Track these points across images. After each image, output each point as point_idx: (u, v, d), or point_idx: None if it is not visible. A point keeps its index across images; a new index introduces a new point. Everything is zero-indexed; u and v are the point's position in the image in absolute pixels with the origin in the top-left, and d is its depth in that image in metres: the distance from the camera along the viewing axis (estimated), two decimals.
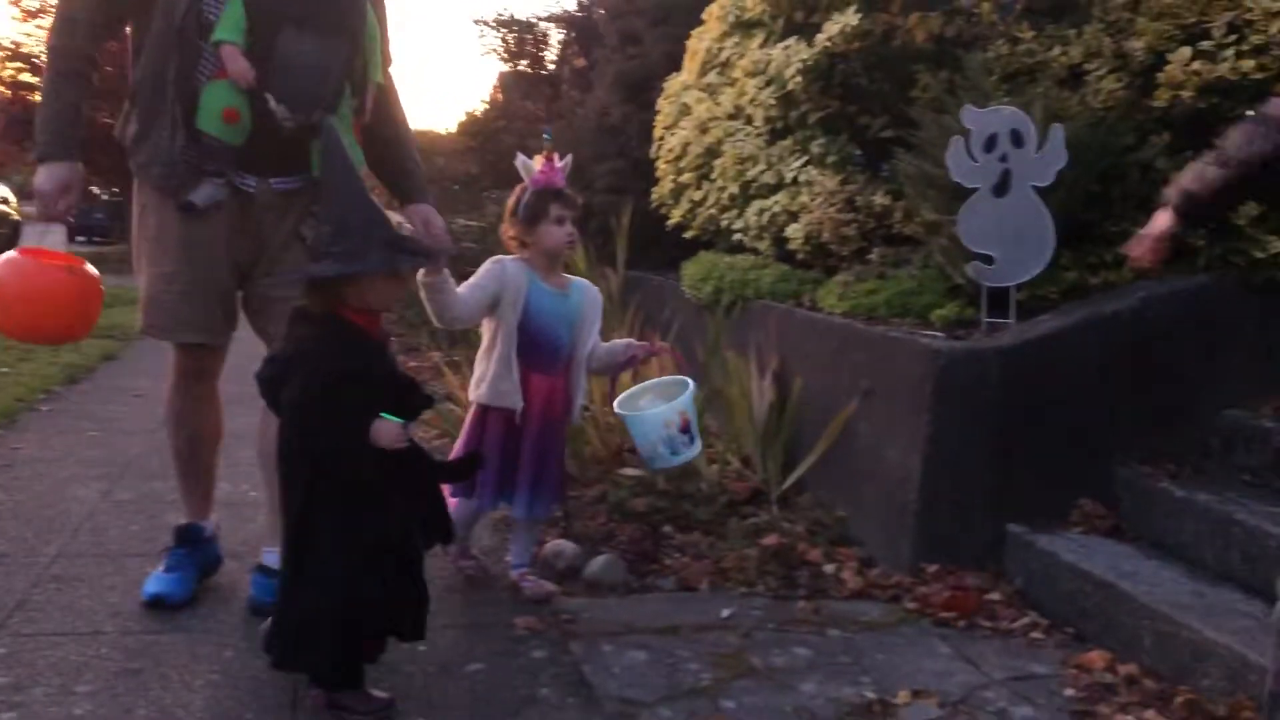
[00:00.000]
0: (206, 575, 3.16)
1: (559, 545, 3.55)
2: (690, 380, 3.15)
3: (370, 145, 3.03)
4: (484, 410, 3.14)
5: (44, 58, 2.99)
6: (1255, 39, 3.32)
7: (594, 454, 4.48)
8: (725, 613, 3.17)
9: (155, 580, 3.03)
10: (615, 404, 3.22)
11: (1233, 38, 3.39)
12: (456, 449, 3.25)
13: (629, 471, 4.27)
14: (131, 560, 3.35)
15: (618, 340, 3.36)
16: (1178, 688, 2.61)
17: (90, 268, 2.93)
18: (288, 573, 2.40)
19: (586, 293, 3.26)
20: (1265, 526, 2.91)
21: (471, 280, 3.09)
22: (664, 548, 3.71)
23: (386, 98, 3.11)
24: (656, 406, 3.07)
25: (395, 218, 2.99)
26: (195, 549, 3.12)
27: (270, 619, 2.46)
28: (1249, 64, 3.29)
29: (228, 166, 2.82)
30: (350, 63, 2.88)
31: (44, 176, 2.80)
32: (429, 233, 3.08)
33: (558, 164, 3.17)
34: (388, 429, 2.27)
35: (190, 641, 2.79)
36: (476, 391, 3.16)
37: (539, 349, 3.12)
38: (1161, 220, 2.51)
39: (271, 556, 2.98)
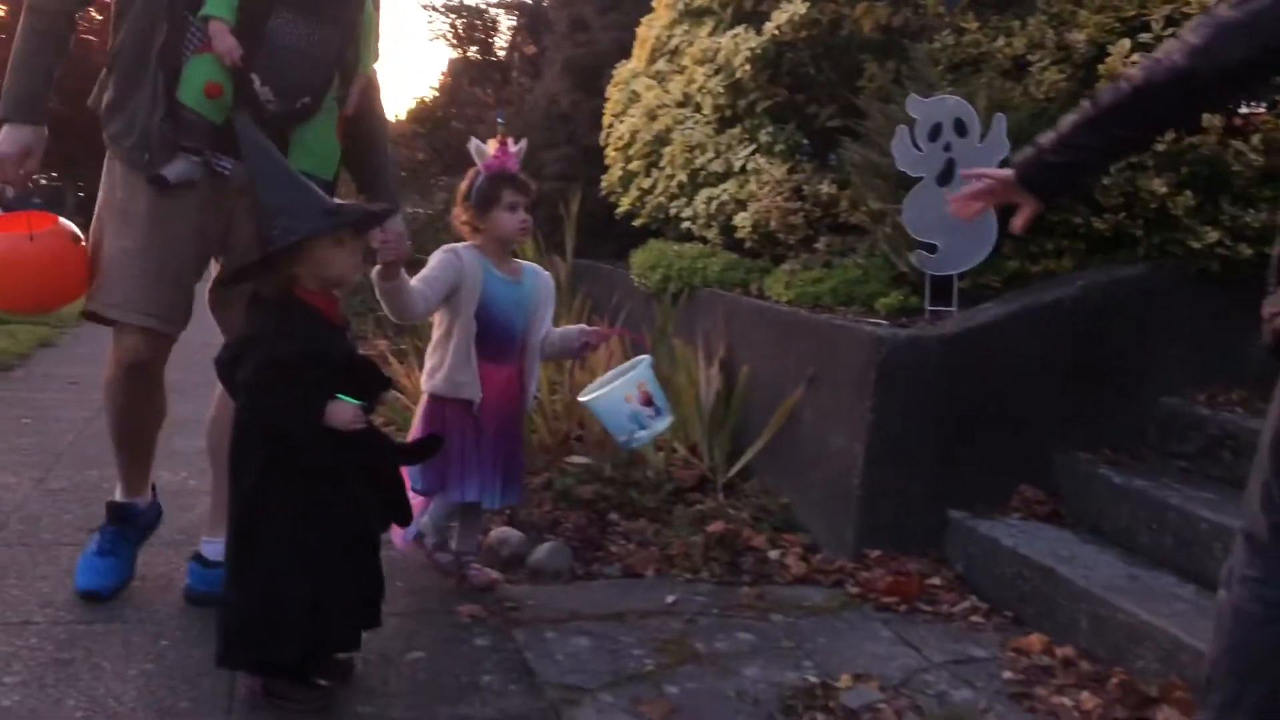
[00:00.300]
0: (144, 538, 3.09)
1: (504, 533, 3.53)
2: (647, 356, 3.13)
3: (347, 140, 2.95)
4: (440, 402, 3.09)
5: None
6: None
7: (541, 441, 4.46)
8: (670, 599, 3.17)
9: (88, 570, 2.94)
10: (580, 396, 3.20)
11: (1170, 31, 3.44)
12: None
13: (576, 459, 4.26)
14: (64, 550, 3.28)
15: (571, 326, 3.33)
16: (1113, 669, 2.65)
17: (65, 224, 2.80)
18: (234, 562, 2.35)
19: (539, 278, 3.22)
20: (1198, 511, 2.96)
21: (425, 273, 3.02)
22: (609, 535, 3.71)
23: (370, 93, 3.03)
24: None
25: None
26: (131, 527, 3.03)
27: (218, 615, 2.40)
28: None
29: (205, 144, 2.71)
30: (342, 53, 2.82)
31: (6, 139, 2.69)
32: (394, 241, 3.00)
33: (511, 148, 3.13)
34: (344, 410, 2.26)
35: (124, 631, 2.74)
36: (431, 383, 3.11)
37: (494, 338, 3.08)
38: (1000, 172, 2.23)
39: (210, 547, 2.93)
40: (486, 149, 3.12)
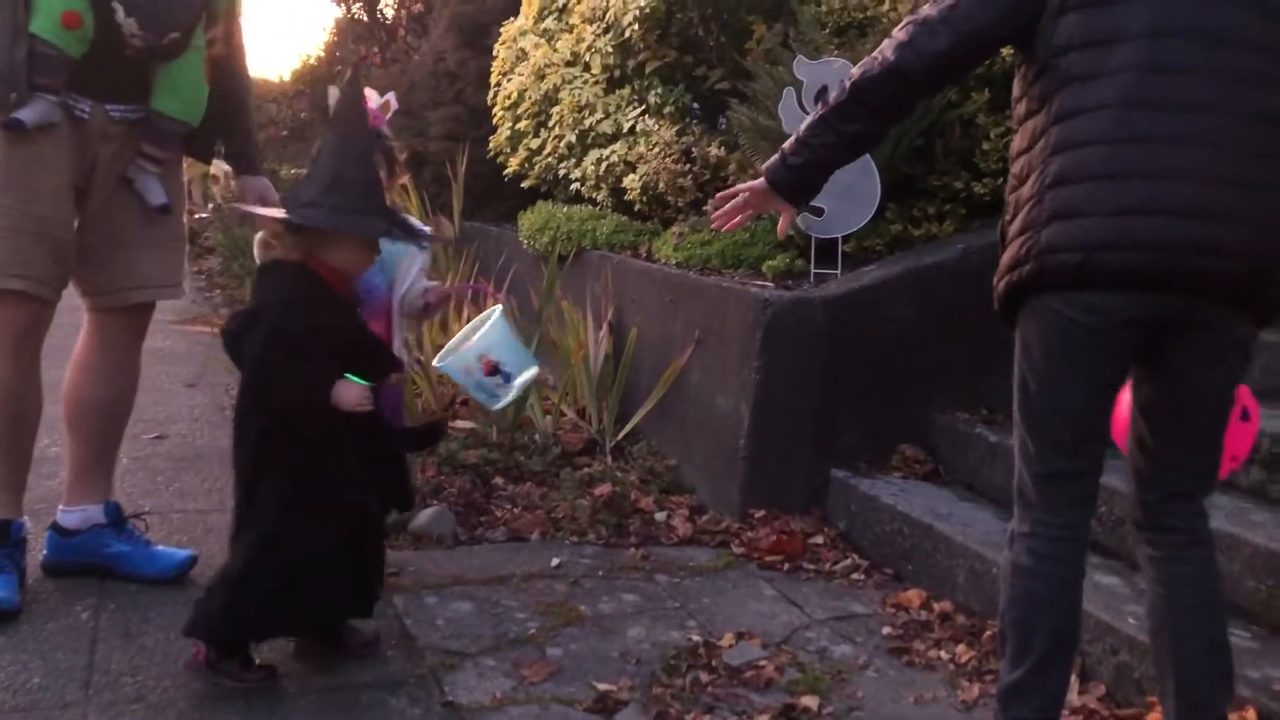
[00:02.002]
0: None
1: None
2: (498, 309, 2.92)
3: (212, 99, 2.75)
4: None
5: None
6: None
7: (425, 407, 4.37)
8: (555, 562, 3.15)
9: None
10: (434, 360, 3.09)
11: None
12: None
13: (461, 424, 4.19)
14: None
15: (419, 283, 3.12)
16: (989, 622, 2.72)
17: None
18: (233, 531, 2.32)
19: None
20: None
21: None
22: (495, 499, 3.66)
23: (236, 51, 2.85)
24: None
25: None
26: (15, 549, 2.66)
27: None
28: None
29: (60, 82, 2.49)
30: None
31: None
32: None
33: (374, 103, 2.95)
34: (351, 390, 2.18)
35: None
36: None
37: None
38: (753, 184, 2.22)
39: (69, 516, 2.79)
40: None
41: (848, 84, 1.99)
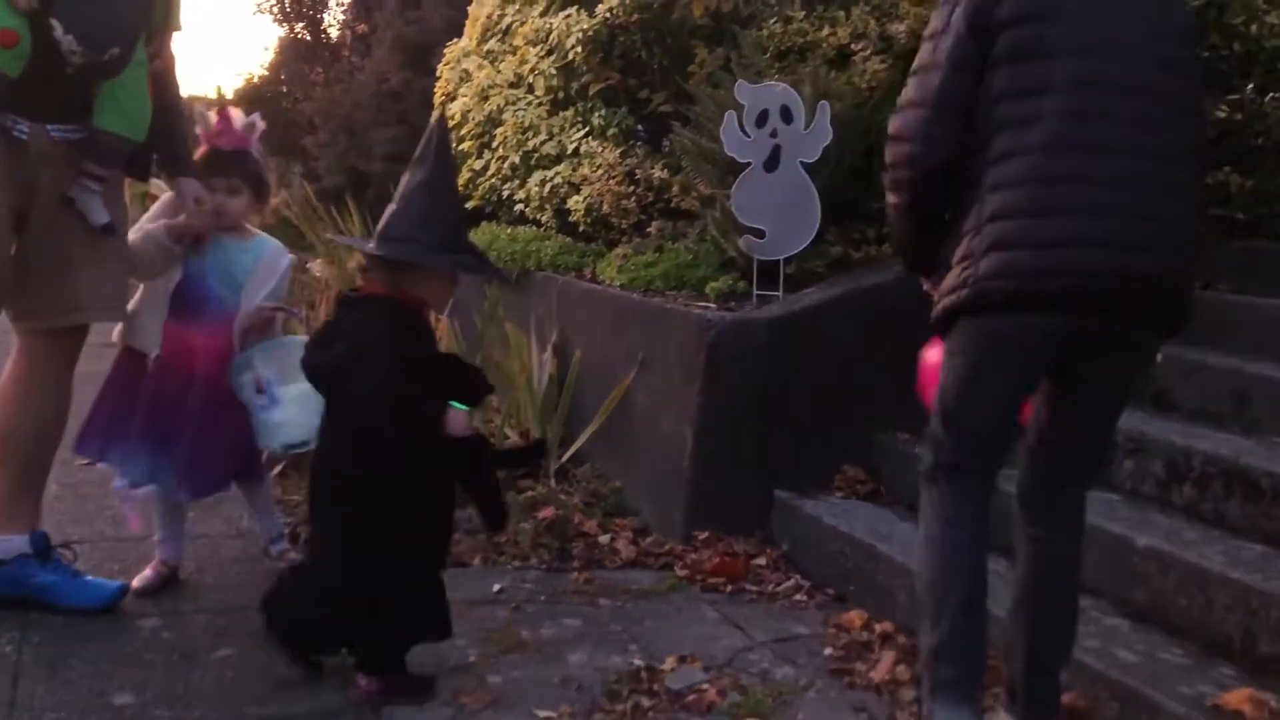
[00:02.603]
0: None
1: None
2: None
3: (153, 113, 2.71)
4: (131, 354, 2.88)
5: None
6: None
7: None
8: (496, 588, 3.11)
9: None
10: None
11: None
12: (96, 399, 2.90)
13: None
14: None
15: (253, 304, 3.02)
16: None
17: None
18: (333, 562, 2.36)
19: (265, 250, 2.98)
20: (1004, 487, 3.07)
21: (154, 228, 2.83)
22: None
23: (167, 60, 2.81)
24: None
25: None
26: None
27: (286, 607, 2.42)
28: None
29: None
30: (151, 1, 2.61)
31: None
32: (200, 208, 2.80)
33: (236, 123, 2.88)
34: (460, 418, 2.25)
35: None
36: (120, 329, 2.89)
37: (199, 303, 2.87)
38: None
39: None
40: (210, 118, 2.89)
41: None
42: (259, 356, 2.84)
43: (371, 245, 2.35)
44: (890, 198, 2.24)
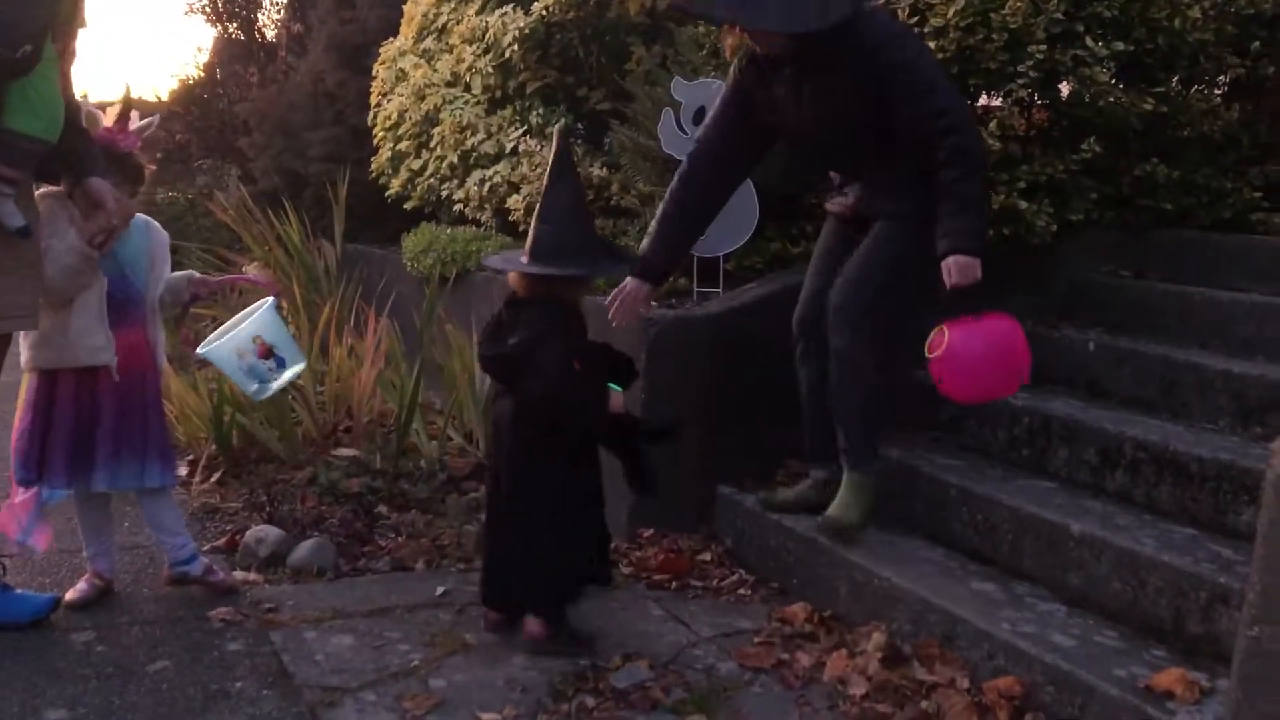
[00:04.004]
0: None
1: (261, 531, 3.34)
2: (270, 299, 2.96)
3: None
4: (49, 376, 2.77)
5: None
6: (935, 21, 3.53)
7: (306, 434, 4.26)
8: (440, 590, 3.09)
9: None
10: (198, 348, 2.98)
11: (915, 19, 3.60)
12: (18, 428, 2.81)
13: (343, 451, 4.10)
14: None
15: (179, 273, 3.04)
16: (871, 633, 2.75)
17: None
18: (514, 525, 2.71)
19: (150, 232, 2.93)
20: (946, 478, 3.12)
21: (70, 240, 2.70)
22: (379, 529, 3.58)
23: (69, 58, 2.69)
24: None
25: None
26: None
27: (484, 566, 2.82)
28: (929, 45, 3.50)
29: None
30: None
31: None
32: (114, 206, 2.73)
33: (133, 124, 2.82)
34: (617, 398, 2.63)
35: None
36: (43, 354, 2.76)
37: (114, 298, 2.79)
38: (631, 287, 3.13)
39: None
40: (100, 117, 2.80)
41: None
42: (257, 326, 2.87)
43: (536, 267, 2.66)
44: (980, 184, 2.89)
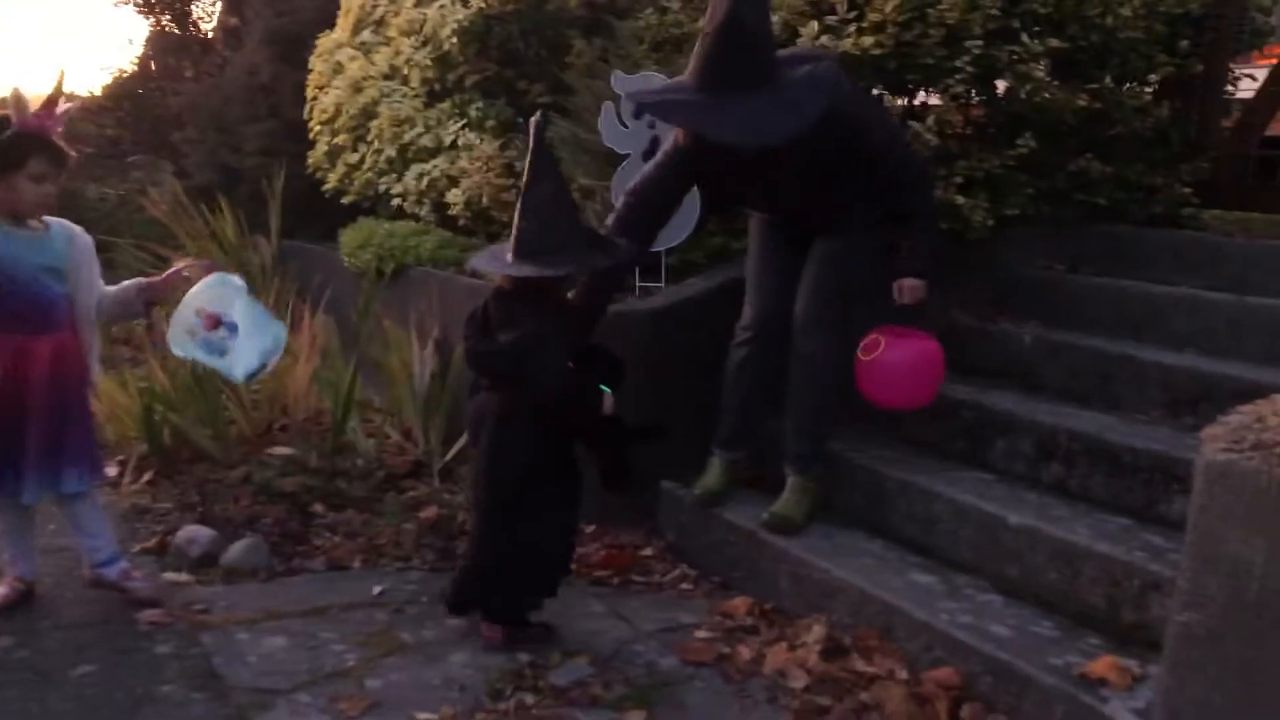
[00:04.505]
0: None
1: (193, 532, 3.26)
2: (216, 274, 2.86)
3: None
4: None
5: None
6: (873, 16, 3.55)
7: (239, 433, 4.17)
8: (377, 590, 3.03)
9: None
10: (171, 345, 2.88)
11: (854, 13, 3.61)
12: None
13: (278, 450, 4.01)
14: None
15: (127, 282, 2.94)
16: (811, 625, 2.75)
17: None
18: (491, 526, 2.69)
19: (72, 236, 2.81)
20: (884, 470, 3.14)
21: None
22: (314, 528, 3.50)
23: None
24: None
25: None
26: None
27: (460, 568, 2.80)
28: (868, 40, 3.51)
29: None
30: None
31: None
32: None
33: (60, 107, 2.69)
34: (609, 399, 2.62)
35: None
36: None
37: (25, 304, 2.68)
38: None
39: None
40: (27, 101, 2.65)
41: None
42: (200, 299, 2.76)
43: (526, 267, 2.57)
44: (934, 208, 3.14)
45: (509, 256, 2.61)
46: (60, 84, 2.71)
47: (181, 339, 2.78)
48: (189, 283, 2.88)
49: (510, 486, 2.65)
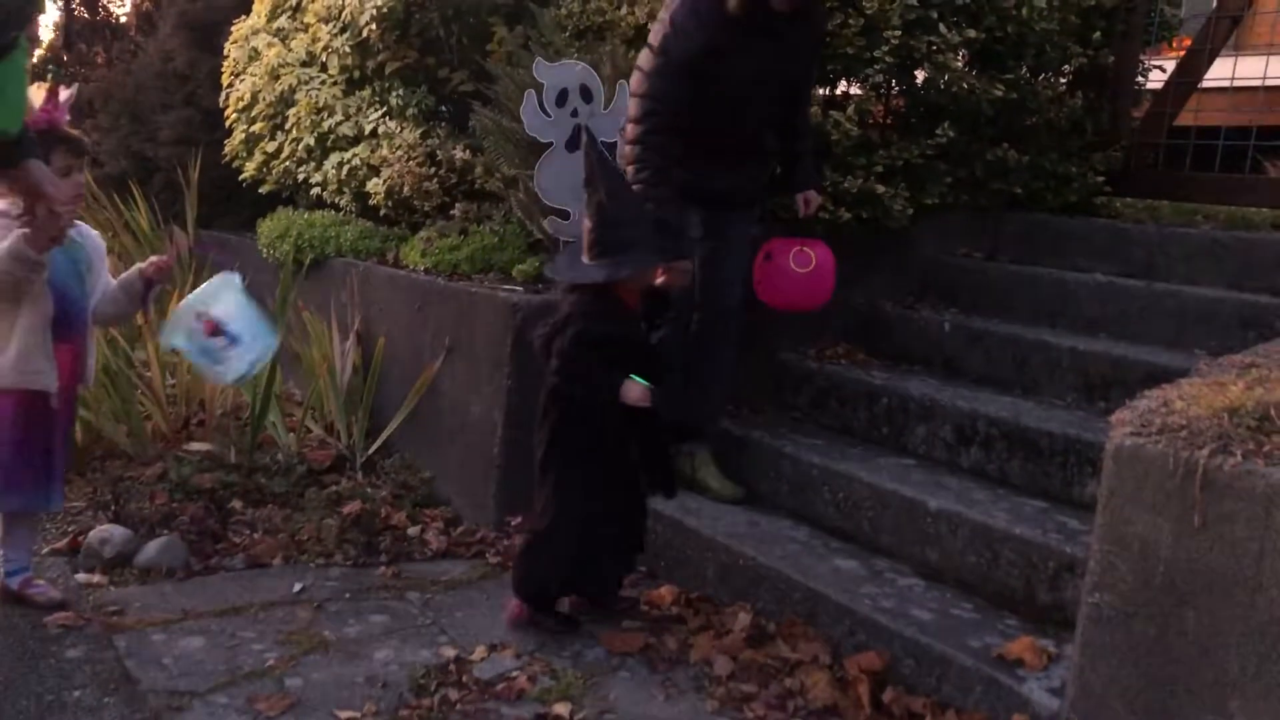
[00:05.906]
0: None
1: (106, 531, 3.17)
2: (221, 275, 2.82)
3: None
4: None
5: None
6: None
7: (155, 429, 4.06)
8: (297, 587, 2.98)
9: None
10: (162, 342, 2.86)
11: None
12: None
13: (195, 446, 3.92)
14: None
15: (125, 273, 2.88)
16: (737, 613, 2.76)
17: None
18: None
19: (90, 238, 2.81)
20: (809, 458, 3.16)
21: (9, 246, 2.48)
22: (233, 525, 3.43)
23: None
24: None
25: None
26: None
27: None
28: None
29: None
30: None
31: None
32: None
33: (61, 96, 2.65)
34: (634, 388, 2.57)
35: None
36: None
37: (62, 313, 2.65)
38: None
39: None
40: (30, 99, 2.58)
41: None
42: (202, 301, 2.70)
43: (601, 271, 2.61)
44: None
45: (584, 258, 2.68)
46: (53, 79, 2.61)
47: (177, 336, 2.71)
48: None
49: (539, 460, 2.75)
